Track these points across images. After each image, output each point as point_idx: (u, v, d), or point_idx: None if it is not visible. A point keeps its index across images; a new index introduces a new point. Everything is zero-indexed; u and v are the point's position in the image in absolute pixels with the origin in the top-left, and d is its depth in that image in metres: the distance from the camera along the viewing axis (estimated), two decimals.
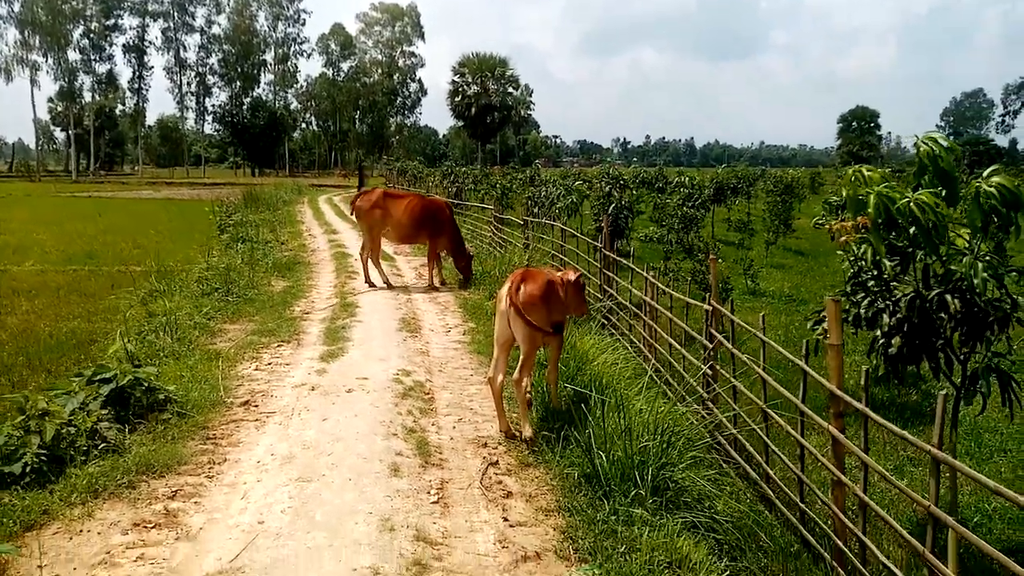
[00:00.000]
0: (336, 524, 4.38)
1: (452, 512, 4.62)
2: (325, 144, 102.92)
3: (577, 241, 11.65)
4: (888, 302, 4.95)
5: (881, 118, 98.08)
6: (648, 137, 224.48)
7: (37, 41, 70.03)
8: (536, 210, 17.89)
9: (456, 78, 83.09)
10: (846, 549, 4.16)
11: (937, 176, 4.60)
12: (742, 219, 25.06)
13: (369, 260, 12.31)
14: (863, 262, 5.54)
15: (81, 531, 4.22)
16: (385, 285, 12.07)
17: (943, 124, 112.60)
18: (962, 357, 4.71)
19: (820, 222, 18.68)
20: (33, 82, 71.65)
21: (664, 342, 7.42)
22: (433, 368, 7.64)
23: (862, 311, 5.28)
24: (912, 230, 4.20)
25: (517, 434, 5.82)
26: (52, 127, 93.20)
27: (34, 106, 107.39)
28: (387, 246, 14.68)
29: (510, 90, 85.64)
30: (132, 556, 3.99)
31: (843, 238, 6.60)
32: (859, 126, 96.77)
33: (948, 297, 4.45)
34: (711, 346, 6.17)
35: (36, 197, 42.77)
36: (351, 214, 12.51)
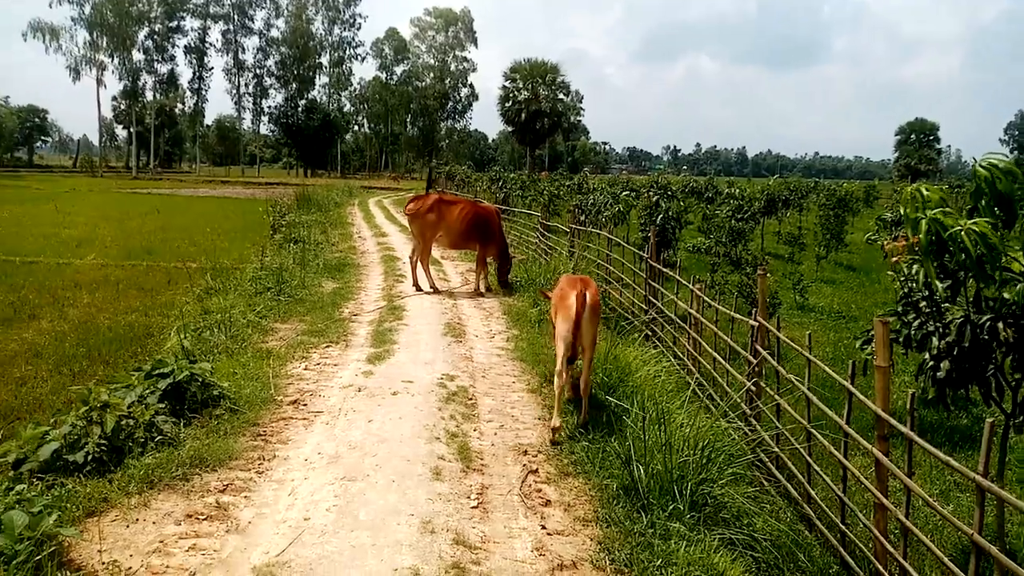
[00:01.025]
0: (379, 524, 4.51)
1: (491, 518, 4.71)
2: (376, 146, 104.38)
3: (623, 250, 11.66)
4: (938, 325, 4.89)
5: (941, 131, 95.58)
6: (699, 145, 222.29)
7: (104, 42, 72.59)
8: (583, 218, 17.90)
9: (507, 83, 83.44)
10: (886, 573, 4.12)
11: (995, 199, 4.52)
12: (793, 232, 24.72)
13: (419, 264, 12.51)
14: (914, 283, 5.47)
15: (137, 520, 4.42)
16: (432, 290, 12.25)
17: (1007, 138, 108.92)
18: (1013, 384, 4.63)
19: (873, 238, 18.27)
20: (99, 81, 74.39)
21: (708, 356, 7.40)
22: (476, 373, 7.75)
23: (912, 332, 5.22)
24: (963, 257, 4.15)
25: (563, 438, 5.95)
26: (115, 125, 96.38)
27: (99, 104, 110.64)
28: (435, 251, 14.85)
29: (560, 96, 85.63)
30: (184, 546, 4.17)
31: (895, 257, 6.52)
32: (918, 139, 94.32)
33: (1000, 325, 4.38)
34: (756, 362, 6.15)
35: (98, 192, 44.33)
36: (408, 217, 12.67)
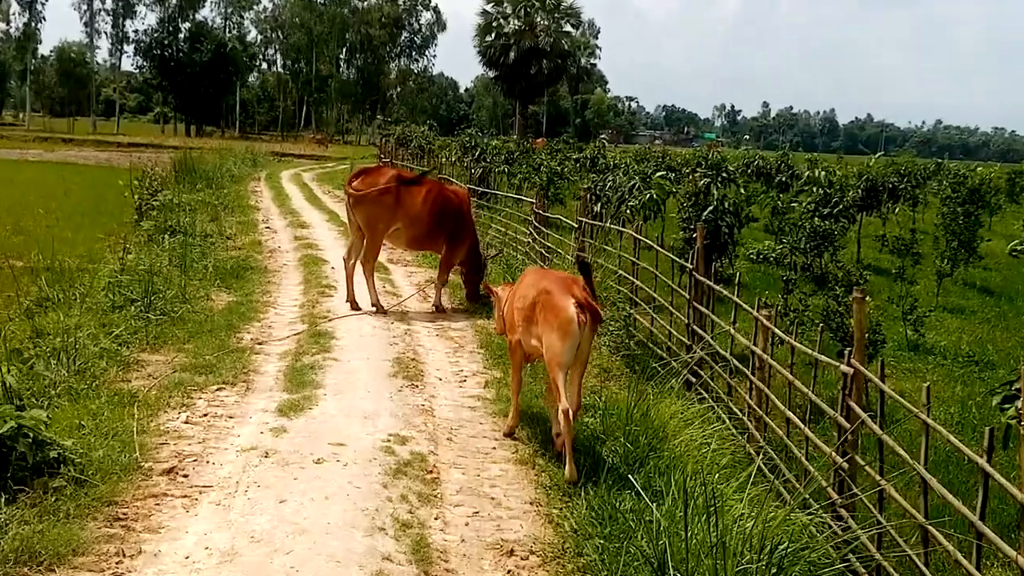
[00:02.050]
0: None
1: None
2: (295, 94, 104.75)
3: (656, 257, 11.76)
4: None
5: None
6: (767, 106, 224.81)
7: None
8: (598, 208, 18.08)
9: (488, 7, 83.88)
10: None
11: None
12: (903, 236, 24.95)
13: (363, 270, 12.60)
14: None
15: None
16: (376, 308, 12.31)
17: None
18: None
19: (1021, 248, 18.57)
20: None
21: (779, 416, 7.47)
22: (440, 434, 7.79)
23: None
24: None
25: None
26: None
27: None
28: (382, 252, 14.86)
29: (567, 28, 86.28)
30: None
31: None
32: None
33: None
34: (850, 427, 6.21)
35: None
36: (348, 202, 12.68)
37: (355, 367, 9.55)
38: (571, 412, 6.96)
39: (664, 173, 22.10)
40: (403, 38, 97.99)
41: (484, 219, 20.50)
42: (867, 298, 6.73)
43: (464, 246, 13.15)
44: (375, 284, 12.64)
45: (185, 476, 6.49)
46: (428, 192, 12.73)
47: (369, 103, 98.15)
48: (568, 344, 7.03)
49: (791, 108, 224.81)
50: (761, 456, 7.13)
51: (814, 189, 22.37)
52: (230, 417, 7.78)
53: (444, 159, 35.77)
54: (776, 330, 7.84)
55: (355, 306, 12.38)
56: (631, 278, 12.29)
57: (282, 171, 42.51)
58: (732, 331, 8.73)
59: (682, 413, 7.75)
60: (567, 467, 6.83)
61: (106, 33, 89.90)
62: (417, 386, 9.12)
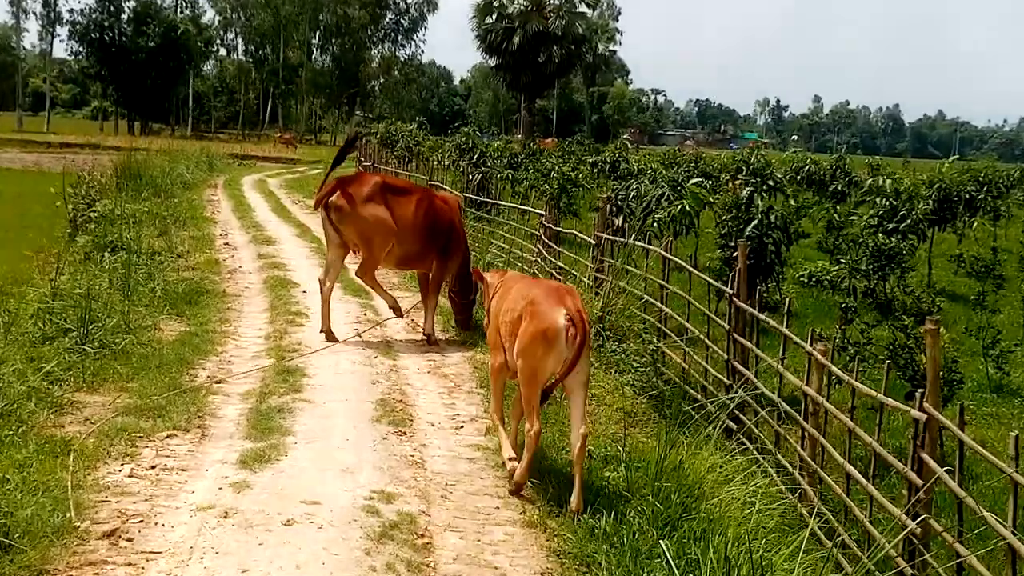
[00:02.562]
0: None
1: None
2: (258, 86, 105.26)
3: (690, 280, 11.75)
4: None
5: None
6: (818, 100, 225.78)
7: None
8: (620, 221, 18.10)
9: None
10: None
11: None
12: (983, 256, 24.99)
13: (364, 283, 13.28)
14: None
15: None
16: (392, 312, 13.12)
17: None
18: None
19: None
20: None
21: (837, 469, 7.45)
22: (432, 491, 7.77)
23: None
24: None
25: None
26: None
27: None
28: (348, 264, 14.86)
29: (582, 8, 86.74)
30: None
31: None
32: None
33: None
34: (923, 485, 6.20)
35: None
36: (325, 214, 12.74)
37: (331, 410, 9.54)
38: (538, 432, 7.67)
39: (699, 180, 22.18)
40: (387, 20, 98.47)
41: (483, 234, 20.57)
42: (941, 330, 6.73)
43: (456, 261, 13.29)
44: (383, 290, 13.34)
45: (129, 540, 6.45)
46: (420, 201, 12.88)
47: (346, 96, 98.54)
48: (551, 357, 7.57)
49: (847, 103, 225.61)
50: (816, 518, 7.12)
51: (877, 200, 22.43)
52: (182, 470, 7.75)
53: (436, 162, 35.81)
54: (833, 368, 7.84)
55: (331, 337, 12.43)
56: (659, 305, 12.28)
57: (243, 176, 42.67)
58: (780, 368, 8.72)
59: (721, 466, 7.73)
60: (521, 467, 7.71)
61: (35, 13, 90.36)
62: (405, 433, 9.12)
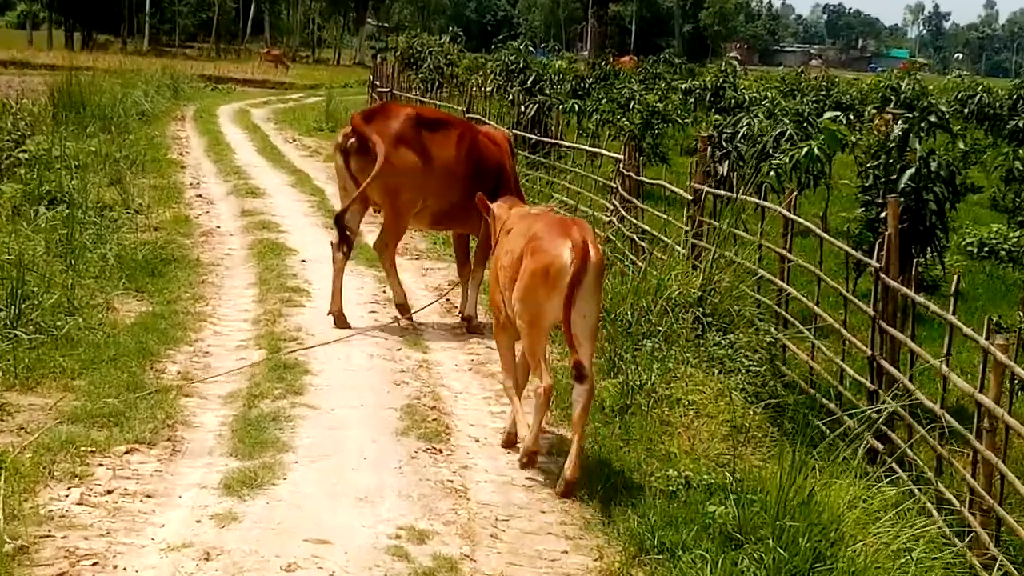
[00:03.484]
0: None
1: None
2: None
3: (820, 249, 11.64)
4: None
5: None
6: (992, 6, 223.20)
7: None
8: (724, 170, 18.03)
9: None
10: None
11: None
12: None
13: (381, 262, 13.07)
14: None
15: None
16: (401, 312, 12.88)
17: None
18: None
19: None
20: None
21: (1022, 506, 7.41)
22: (478, 529, 7.75)
23: None
24: None
25: None
26: None
27: None
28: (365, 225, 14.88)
29: None
30: None
31: None
32: None
33: None
34: None
35: None
36: (342, 160, 12.61)
37: (343, 419, 9.53)
38: (549, 388, 8.54)
39: (834, 115, 21.92)
40: None
41: (539, 185, 20.52)
42: None
43: None
44: (399, 278, 13.04)
45: None
46: (461, 138, 12.82)
47: (355, 1, 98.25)
48: (555, 298, 8.16)
49: None
50: (996, 572, 7.09)
51: None
52: (148, 496, 7.73)
53: (475, 88, 35.57)
54: (1017, 369, 7.79)
55: (342, 321, 12.46)
56: (778, 282, 12.23)
57: (219, 105, 42.80)
58: (944, 369, 8.65)
59: (865, 501, 7.67)
60: (529, 439, 8.70)
61: None
62: (441, 451, 9.08)
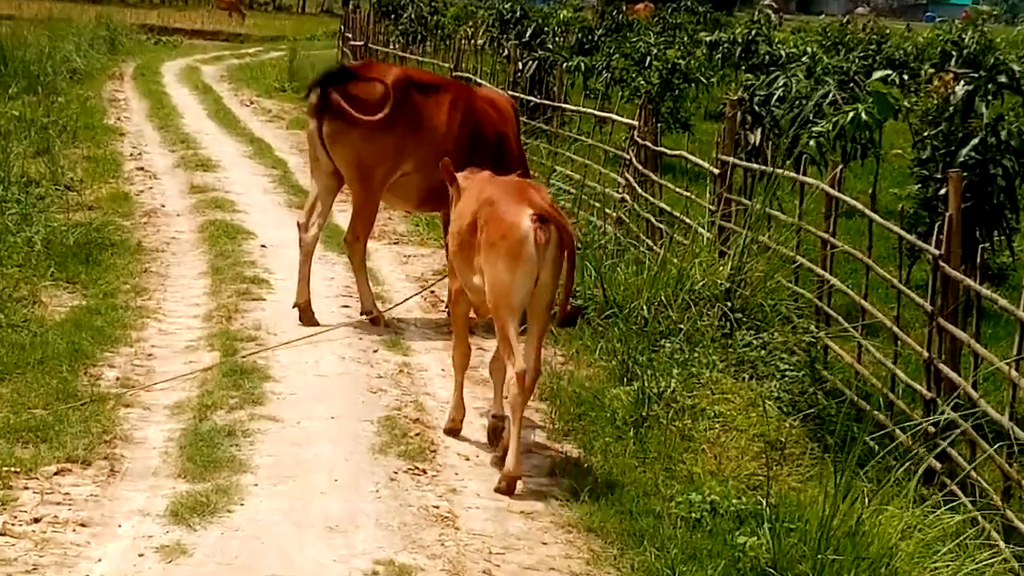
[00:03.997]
0: None
1: None
2: None
3: (870, 232, 11.60)
4: None
5: None
6: None
7: None
8: (757, 139, 18.02)
9: None
10: None
11: None
12: None
13: (348, 254, 13.06)
14: None
15: None
16: (366, 316, 12.77)
17: None
18: None
19: None
20: None
21: None
22: (469, 564, 7.74)
23: None
24: None
25: None
26: None
27: None
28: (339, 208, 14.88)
29: None
30: None
31: None
32: None
33: None
34: None
35: None
36: (315, 126, 12.53)
37: (310, 434, 9.56)
38: (530, 375, 8.86)
39: (885, 74, 21.83)
40: None
41: (540, 155, 20.51)
42: None
43: None
44: (367, 277, 12.96)
45: None
46: (455, 104, 12.80)
47: None
48: (521, 274, 8.35)
49: None
50: None
51: None
52: (82, 525, 7.73)
53: (464, 42, 35.48)
54: None
55: (309, 317, 12.51)
56: (819, 271, 12.23)
57: (164, 62, 42.79)
58: (1013, 374, 8.66)
59: (920, 530, 7.69)
60: (511, 458, 8.75)
61: None
62: (425, 472, 9.10)
